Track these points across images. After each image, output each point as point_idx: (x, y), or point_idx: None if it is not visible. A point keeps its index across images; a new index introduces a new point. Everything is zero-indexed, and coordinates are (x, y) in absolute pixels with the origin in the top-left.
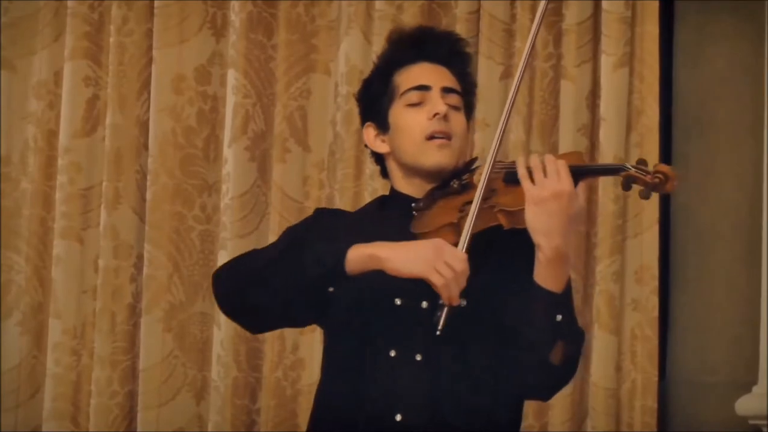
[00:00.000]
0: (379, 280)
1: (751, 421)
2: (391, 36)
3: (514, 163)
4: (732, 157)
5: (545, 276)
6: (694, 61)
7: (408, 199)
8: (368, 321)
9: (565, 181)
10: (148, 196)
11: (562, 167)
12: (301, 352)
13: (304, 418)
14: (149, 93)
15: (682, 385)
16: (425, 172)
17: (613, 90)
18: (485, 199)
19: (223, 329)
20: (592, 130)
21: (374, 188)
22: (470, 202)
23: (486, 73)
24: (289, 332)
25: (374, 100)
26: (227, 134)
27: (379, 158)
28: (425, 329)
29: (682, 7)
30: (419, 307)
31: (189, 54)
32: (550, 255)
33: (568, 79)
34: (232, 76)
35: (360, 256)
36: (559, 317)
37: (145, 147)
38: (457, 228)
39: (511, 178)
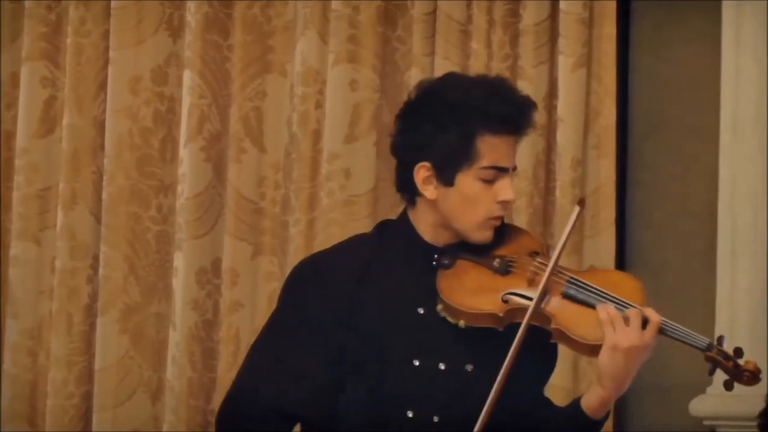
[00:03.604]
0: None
1: (705, 422)
2: (486, 86)
3: (589, 282)
4: (688, 158)
5: (597, 409)
6: (651, 62)
7: (427, 246)
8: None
9: (650, 335)
10: (104, 196)
11: (654, 324)
12: None
13: None
14: (106, 94)
15: (637, 385)
16: (465, 238)
17: (570, 91)
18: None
19: (179, 330)
20: (549, 130)
21: (330, 189)
22: (515, 294)
23: (442, 74)
24: (243, 333)
25: (446, 151)
26: (183, 135)
27: (410, 190)
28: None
29: (639, 8)
30: (437, 368)
31: (146, 55)
32: (610, 395)
33: (525, 80)
34: (187, 77)
35: None
36: None
37: (102, 148)
38: (500, 323)
39: (572, 296)
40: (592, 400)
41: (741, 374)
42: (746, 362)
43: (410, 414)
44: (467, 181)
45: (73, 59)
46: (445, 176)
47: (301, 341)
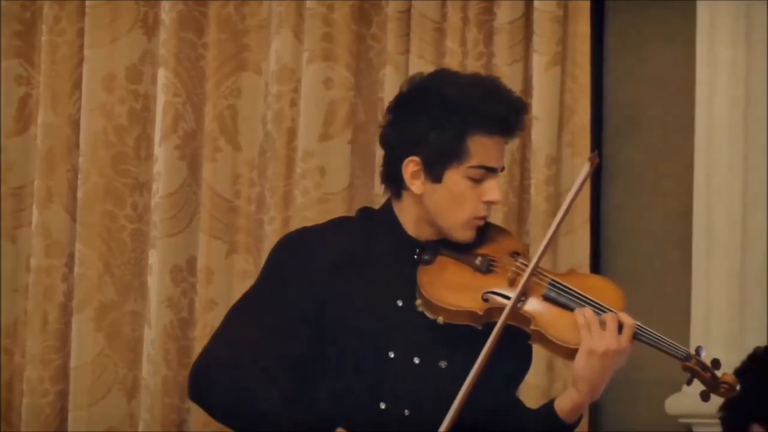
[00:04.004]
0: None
1: (681, 420)
2: (482, 86)
3: (570, 285)
4: (663, 157)
5: (570, 413)
6: (625, 60)
7: (409, 239)
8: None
9: (625, 339)
10: (80, 194)
11: (629, 328)
12: None
13: None
14: (81, 92)
15: (612, 383)
16: (447, 236)
17: (544, 89)
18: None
19: (154, 328)
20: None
21: (305, 187)
22: (495, 293)
23: (416, 72)
24: None
25: (438, 148)
26: (157, 133)
27: (397, 183)
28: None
29: (613, 6)
30: (412, 362)
31: (121, 53)
32: (584, 400)
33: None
34: (162, 75)
35: None
36: None
37: (77, 146)
38: (479, 321)
39: (552, 298)
40: (565, 403)
41: (718, 386)
42: (724, 374)
43: (383, 405)
44: (455, 178)
45: (48, 57)
46: (434, 172)
47: (275, 324)
